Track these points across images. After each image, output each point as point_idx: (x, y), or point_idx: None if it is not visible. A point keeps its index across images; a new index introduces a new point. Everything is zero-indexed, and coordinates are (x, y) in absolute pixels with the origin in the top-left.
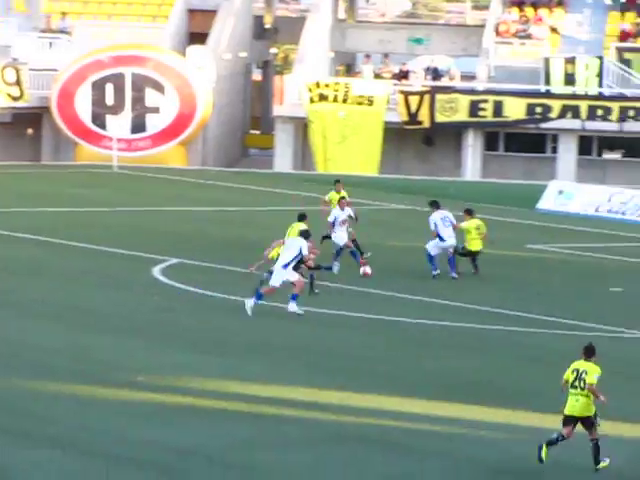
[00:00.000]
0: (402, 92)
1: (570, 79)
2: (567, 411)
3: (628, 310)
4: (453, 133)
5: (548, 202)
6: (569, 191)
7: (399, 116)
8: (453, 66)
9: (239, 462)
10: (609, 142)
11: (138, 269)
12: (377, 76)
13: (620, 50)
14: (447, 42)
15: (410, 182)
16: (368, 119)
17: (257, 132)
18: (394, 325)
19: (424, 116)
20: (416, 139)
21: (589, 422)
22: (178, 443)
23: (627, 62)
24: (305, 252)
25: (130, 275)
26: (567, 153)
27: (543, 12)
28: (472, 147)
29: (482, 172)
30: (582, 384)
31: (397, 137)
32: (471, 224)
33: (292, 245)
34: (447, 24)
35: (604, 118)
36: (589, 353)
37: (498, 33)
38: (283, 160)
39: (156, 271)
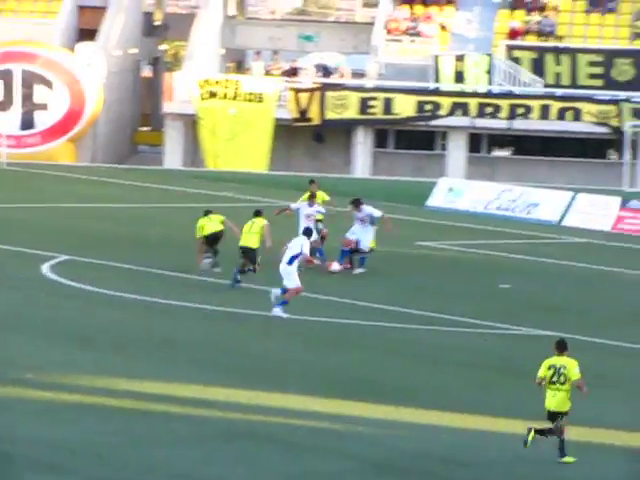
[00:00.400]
0: (292, 89)
1: (459, 77)
2: (550, 407)
3: (515, 307)
4: (343, 130)
5: (437, 199)
6: (458, 188)
7: (289, 113)
8: (343, 63)
9: (129, 459)
10: (498, 139)
11: (26, 266)
12: (267, 73)
13: (509, 48)
14: (337, 39)
15: (300, 179)
16: (258, 116)
17: (147, 129)
18: (282, 322)
19: (314, 113)
20: (306, 136)
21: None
22: (68, 440)
23: (516, 60)
24: (306, 250)
25: (18, 272)
26: (456, 150)
27: (433, 10)
28: (362, 144)
29: (372, 169)
30: (562, 379)
31: (287, 134)
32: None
33: (295, 244)
34: (337, 21)
35: (493, 116)
36: (561, 348)
37: (388, 31)
38: (173, 157)
39: (45, 268)
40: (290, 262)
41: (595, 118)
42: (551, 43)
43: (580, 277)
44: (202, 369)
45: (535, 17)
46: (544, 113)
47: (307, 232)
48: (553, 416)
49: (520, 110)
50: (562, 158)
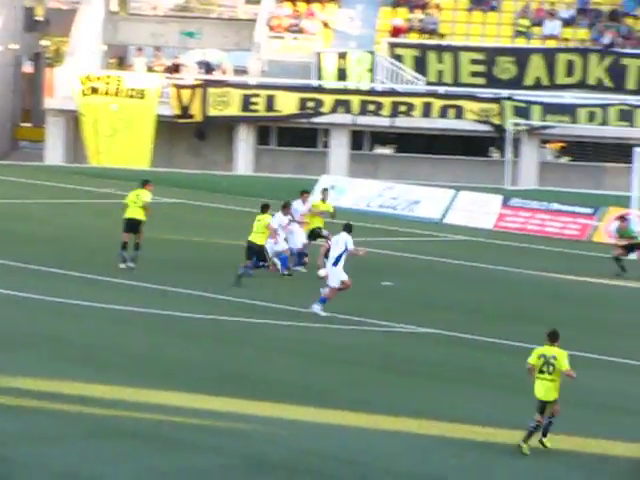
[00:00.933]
0: (174, 86)
1: (342, 74)
2: (540, 396)
3: (398, 304)
4: (225, 127)
5: (318, 197)
6: (341, 186)
7: (171, 110)
8: (225, 60)
9: (5, 456)
10: (381, 137)
11: None
12: (149, 69)
13: (392, 46)
14: (219, 36)
15: (183, 176)
16: (140, 112)
17: (28, 125)
18: (167, 319)
19: (196, 110)
20: (188, 133)
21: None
22: None
23: (399, 58)
24: (351, 246)
25: None
26: (339, 148)
27: (315, 7)
28: (244, 141)
29: (254, 166)
30: (550, 369)
31: (169, 131)
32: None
33: (338, 242)
34: (219, 18)
35: (376, 113)
36: (554, 338)
37: (270, 27)
38: (54, 153)
39: None
40: (336, 263)
41: (477, 116)
42: (433, 41)
43: (462, 275)
44: (85, 366)
45: (418, 15)
46: (426, 111)
47: (347, 228)
48: (541, 404)
49: (402, 108)
50: (444, 156)
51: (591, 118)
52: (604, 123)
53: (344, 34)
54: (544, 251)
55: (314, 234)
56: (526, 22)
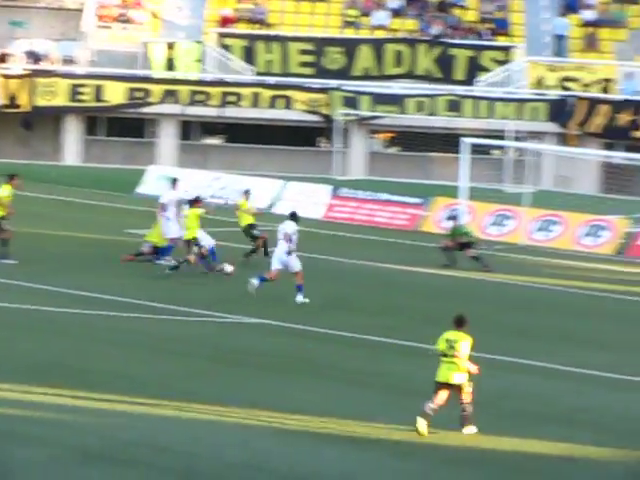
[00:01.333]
0: (2, 75)
1: (171, 64)
2: (438, 378)
3: (226, 295)
4: (53, 117)
5: (148, 186)
6: (168, 176)
7: None
8: (53, 50)
9: None
10: (210, 127)
11: None
12: None
13: (220, 36)
14: (47, 26)
15: (10, 166)
16: None
17: None
18: None
19: (23, 100)
20: (16, 123)
21: (458, 388)
22: None
23: (227, 48)
24: (294, 236)
25: None
26: (168, 138)
27: None
28: (72, 132)
29: (83, 157)
30: (452, 352)
31: None
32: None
33: (285, 230)
34: (47, 7)
35: (204, 103)
36: (459, 323)
37: (98, 17)
38: None
39: None
40: (289, 252)
41: (306, 106)
42: (262, 31)
43: None
44: None
45: (246, 5)
46: (255, 101)
47: (292, 216)
48: (442, 387)
49: (231, 98)
50: (273, 146)
51: (419, 108)
52: (432, 113)
53: (172, 24)
54: (373, 241)
55: (247, 232)
56: (355, 12)
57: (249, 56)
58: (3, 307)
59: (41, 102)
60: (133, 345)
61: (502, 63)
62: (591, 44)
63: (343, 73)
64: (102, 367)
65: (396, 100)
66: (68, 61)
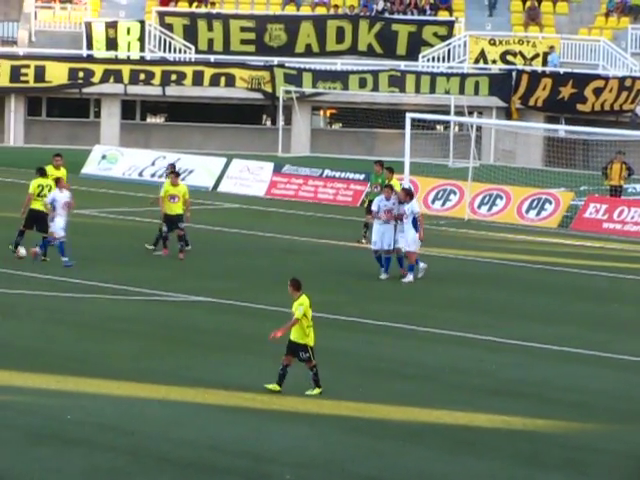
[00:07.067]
0: None
1: (112, 43)
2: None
3: (170, 273)
4: None
5: (92, 167)
6: (113, 155)
7: None
8: None
9: None
10: (152, 107)
11: None
12: None
13: (161, 14)
14: None
15: None
16: None
17: None
18: None
19: None
20: None
21: (304, 350)
22: None
23: (169, 27)
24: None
25: None
26: (110, 117)
27: None
28: (14, 112)
29: (25, 138)
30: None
31: None
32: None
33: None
34: None
35: (147, 82)
36: (294, 286)
37: None
38: None
39: None
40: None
41: (248, 84)
42: (203, 9)
43: (235, 243)
44: None
45: None
46: (197, 80)
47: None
48: (291, 346)
49: (173, 77)
50: (216, 124)
51: (362, 84)
52: (375, 89)
53: (113, 3)
54: (317, 218)
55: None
56: None
57: (190, 34)
58: None
59: None
60: (78, 325)
61: (444, 38)
62: (532, 17)
63: (285, 50)
64: (51, 348)
65: (339, 76)
66: (9, 42)
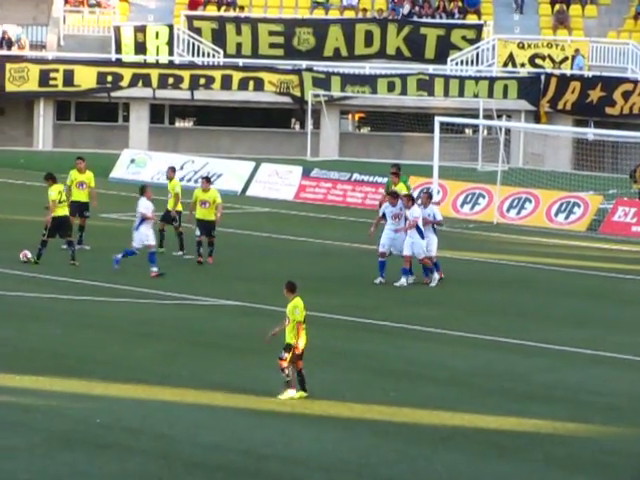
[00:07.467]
0: None
1: (141, 48)
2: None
3: (199, 278)
4: (24, 102)
5: (120, 171)
6: (141, 159)
7: None
8: (23, 35)
9: None
10: (181, 111)
11: None
12: None
13: (190, 18)
14: (17, 11)
15: None
16: None
17: None
18: None
19: None
20: None
21: (288, 348)
22: None
23: (197, 30)
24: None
25: None
26: (139, 122)
27: None
28: (43, 117)
29: (54, 142)
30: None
31: None
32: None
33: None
34: None
35: (175, 87)
36: (289, 289)
37: (67, 1)
38: None
39: None
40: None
41: (277, 88)
42: (232, 13)
43: (263, 247)
44: None
45: None
46: (226, 84)
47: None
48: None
49: (202, 81)
50: (245, 128)
51: (390, 88)
52: (403, 93)
53: (142, 7)
54: (346, 222)
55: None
56: None
57: (219, 38)
58: None
59: (11, 88)
60: (107, 329)
61: (472, 42)
62: (561, 21)
63: (313, 54)
64: (78, 352)
65: (367, 80)
66: (38, 46)
